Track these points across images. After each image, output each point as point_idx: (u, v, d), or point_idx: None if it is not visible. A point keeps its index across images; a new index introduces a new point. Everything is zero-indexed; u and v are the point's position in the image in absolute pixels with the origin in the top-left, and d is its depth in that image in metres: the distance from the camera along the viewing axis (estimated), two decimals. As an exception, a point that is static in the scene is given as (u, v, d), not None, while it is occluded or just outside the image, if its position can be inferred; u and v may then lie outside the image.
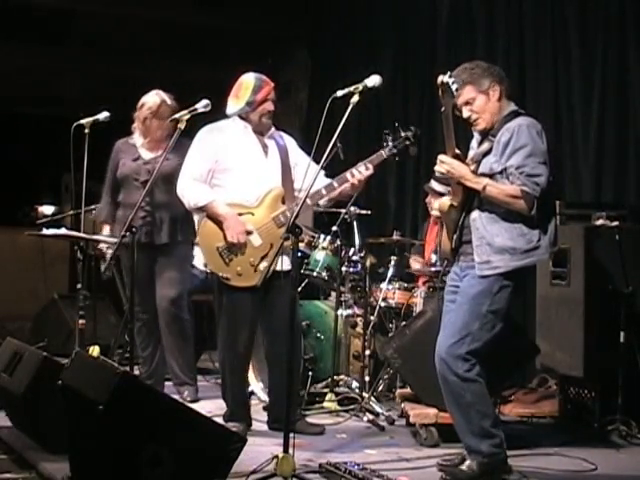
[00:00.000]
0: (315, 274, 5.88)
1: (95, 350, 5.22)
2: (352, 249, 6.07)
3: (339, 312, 5.79)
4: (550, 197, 4.05)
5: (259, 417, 5.01)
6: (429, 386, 4.48)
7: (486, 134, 4.10)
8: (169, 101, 5.58)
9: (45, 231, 5.64)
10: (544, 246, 4.00)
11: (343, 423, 5.20)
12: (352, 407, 5.44)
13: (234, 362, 4.78)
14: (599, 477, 4.21)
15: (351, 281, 6.12)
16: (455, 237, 4.11)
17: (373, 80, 4.15)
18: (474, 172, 3.98)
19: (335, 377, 5.65)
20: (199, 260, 4.79)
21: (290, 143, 4.98)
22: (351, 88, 4.09)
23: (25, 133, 10.87)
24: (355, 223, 6.19)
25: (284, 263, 4.63)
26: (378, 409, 5.33)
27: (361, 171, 4.63)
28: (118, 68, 9.64)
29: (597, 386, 5.07)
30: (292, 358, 4.01)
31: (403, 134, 4.71)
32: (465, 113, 4.10)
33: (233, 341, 4.73)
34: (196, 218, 4.84)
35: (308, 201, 4.44)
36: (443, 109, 3.86)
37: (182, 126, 4.76)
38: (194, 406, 4.45)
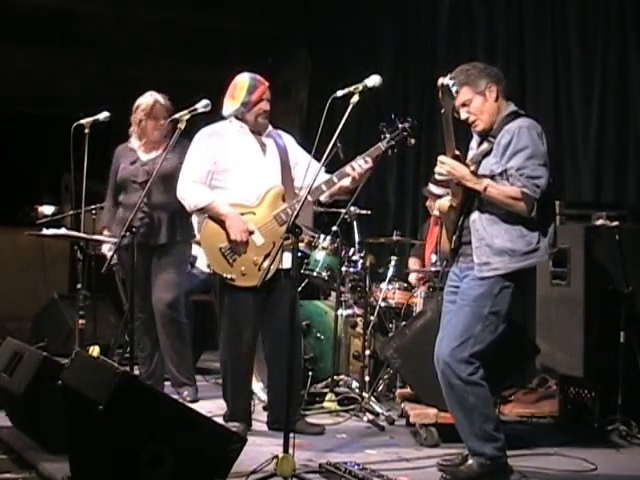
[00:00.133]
0: (315, 274, 5.88)
1: (95, 350, 5.23)
2: (352, 249, 6.07)
3: (339, 312, 5.79)
4: (550, 199, 4.05)
5: (259, 417, 5.01)
6: (429, 386, 4.48)
7: (485, 135, 4.10)
8: (163, 101, 5.58)
9: (45, 231, 5.64)
10: (543, 248, 4.00)
11: (343, 423, 5.20)
12: (352, 407, 5.44)
13: (236, 362, 4.77)
14: (599, 477, 4.21)
15: (351, 281, 6.12)
16: (455, 238, 4.11)
17: (373, 80, 4.15)
18: (474, 173, 3.98)
19: (335, 377, 5.65)
20: (202, 262, 4.78)
21: (289, 141, 4.98)
22: (351, 88, 4.09)
23: (25, 133, 10.88)
24: (355, 223, 6.19)
25: (284, 261, 4.62)
26: (378, 409, 5.33)
27: (360, 165, 4.63)
28: (118, 68, 9.64)
29: (597, 386, 5.07)
30: (292, 358, 4.01)
31: (400, 126, 4.71)
32: (463, 114, 4.10)
33: (235, 341, 4.73)
34: (196, 220, 4.85)
35: (309, 197, 4.44)
36: (443, 111, 3.86)
37: (182, 126, 4.76)
38: (194, 406, 4.44)
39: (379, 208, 7.70)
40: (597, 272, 5.10)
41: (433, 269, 5.83)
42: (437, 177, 4.08)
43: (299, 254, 5.28)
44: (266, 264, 4.60)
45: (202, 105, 4.75)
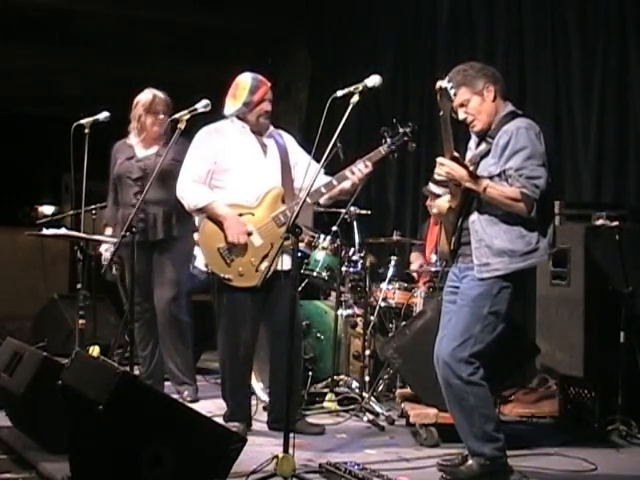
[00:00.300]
0: (315, 274, 5.88)
1: (95, 350, 5.23)
2: (352, 249, 6.07)
3: (339, 312, 5.79)
4: (549, 199, 4.05)
5: (259, 417, 5.01)
6: (429, 386, 4.47)
7: (483, 136, 4.10)
8: (162, 96, 5.61)
9: (45, 231, 5.64)
10: (543, 248, 4.00)
11: (343, 423, 5.20)
12: (352, 407, 5.44)
13: (234, 362, 4.78)
14: (599, 477, 4.21)
15: (351, 281, 6.12)
16: (454, 239, 4.11)
17: (373, 80, 4.15)
18: (473, 173, 3.98)
19: (335, 377, 5.65)
20: (200, 261, 4.79)
21: (290, 142, 4.98)
22: (351, 88, 4.09)
23: (25, 133, 10.88)
24: (355, 223, 6.18)
25: (284, 263, 4.63)
26: (378, 409, 5.33)
27: (360, 169, 4.63)
28: (118, 68, 9.65)
29: (597, 386, 5.07)
30: (292, 358, 4.01)
31: (401, 130, 4.71)
32: (461, 115, 4.10)
33: (234, 341, 4.73)
34: (197, 219, 4.85)
35: (308, 200, 4.44)
36: (441, 113, 3.86)
37: (182, 126, 4.76)
38: (194, 406, 4.44)
39: (379, 208, 7.70)
40: (597, 272, 5.10)
41: (433, 269, 5.83)
42: (436, 177, 4.08)
43: (299, 254, 5.28)
44: (264, 265, 4.60)
45: (202, 105, 4.75)
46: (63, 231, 5.63)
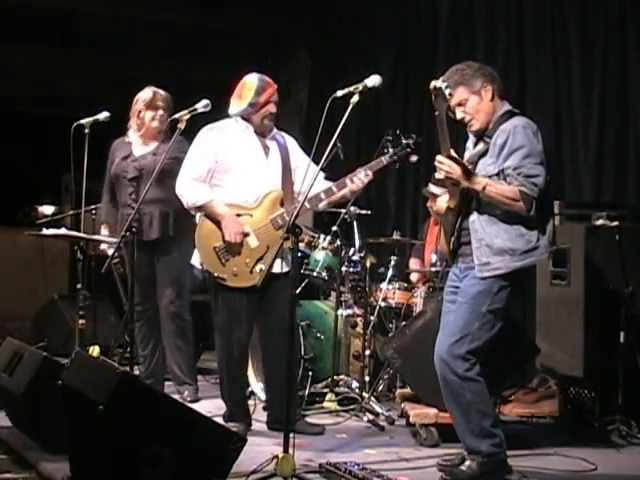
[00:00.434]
0: (315, 274, 5.88)
1: (95, 350, 5.23)
2: (352, 249, 6.07)
3: (339, 312, 5.79)
4: (548, 197, 4.05)
5: (259, 417, 5.01)
6: (429, 386, 4.48)
7: (481, 135, 4.10)
8: (162, 92, 5.62)
9: (45, 231, 5.64)
10: (543, 246, 4.00)
11: (343, 423, 5.20)
12: (352, 407, 5.44)
13: (230, 362, 4.78)
14: (599, 477, 4.21)
15: (351, 281, 6.12)
16: (453, 239, 4.11)
17: (373, 80, 4.15)
18: (472, 173, 3.98)
19: (335, 377, 5.65)
20: (195, 259, 4.79)
21: (291, 144, 4.98)
22: (351, 88, 4.09)
23: (25, 133, 10.88)
24: (355, 223, 6.18)
25: (281, 265, 4.62)
26: (378, 409, 5.33)
27: (361, 178, 4.64)
28: (118, 68, 9.65)
29: (597, 386, 5.07)
30: (292, 358, 4.01)
31: (404, 141, 4.73)
32: (459, 114, 4.10)
33: (228, 340, 4.74)
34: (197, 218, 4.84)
35: (307, 205, 4.45)
36: (437, 114, 3.86)
37: (182, 126, 4.75)
38: (194, 406, 4.44)
39: (379, 208, 7.70)
40: (597, 272, 5.10)
41: (433, 269, 5.83)
42: (436, 176, 4.08)
43: (299, 254, 5.29)
44: (258, 267, 4.62)
45: (202, 105, 4.75)
46: (63, 231, 5.63)
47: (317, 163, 4.26)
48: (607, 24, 5.89)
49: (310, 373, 5.60)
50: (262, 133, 4.85)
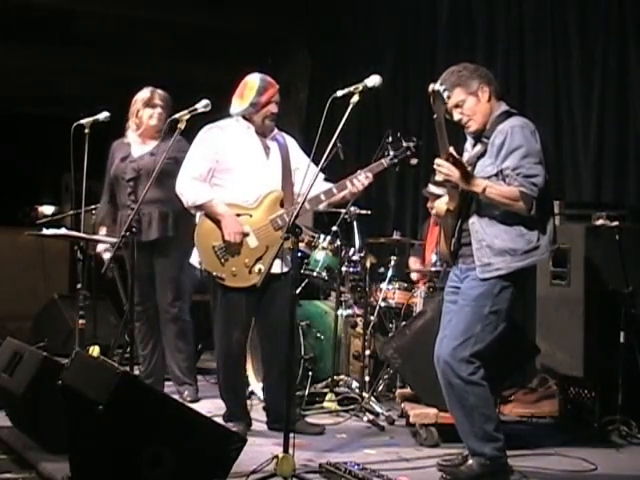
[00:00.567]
0: (315, 274, 5.88)
1: (95, 350, 5.23)
2: (352, 249, 6.07)
3: (339, 312, 5.79)
4: (547, 196, 4.05)
5: (259, 417, 5.01)
6: (429, 386, 4.48)
7: (479, 136, 4.10)
8: (160, 91, 5.63)
9: (45, 231, 5.64)
10: (544, 245, 4.00)
11: (343, 423, 5.20)
12: (352, 407, 5.44)
13: (228, 362, 4.78)
14: (599, 477, 4.21)
15: (351, 281, 6.12)
16: (454, 241, 4.11)
17: (373, 80, 4.15)
18: (471, 174, 3.98)
19: (335, 377, 5.65)
20: (194, 258, 4.79)
21: (292, 145, 4.98)
22: (351, 88, 4.09)
23: (25, 133, 10.87)
24: (355, 223, 6.18)
25: (280, 266, 4.62)
26: (378, 409, 5.33)
27: (361, 180, 4.64)
28: (118, 68, 9.64)
29: (597, 386, 5.07)
30: (291, 358, 4.01)
31: (405, 144, 4.73)
32: (456, 116, 4.10)
33: (227, 340, 4.74)
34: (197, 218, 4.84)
35: (307, 205, 4.46)
36: (435, 116, 3.87)
37: (182, 126, 4.75)
38: (194, 406, 4.44)
39: (379, 208, 7.70)
40: (597, 272, 5.10)
41: (433, 269, 5.83)
42: (436, 178, 4.08)
43: (299, 254, 5.29)
44: (257, 267, 4.62)
45: (202, 105, 4.74)
46: (63, 231, 5.63)
47: (317, 163, 4.26)
48: (607, 24, 5.89)
49: (310, 373, 5.60)
50: (263, 133, 4.85)
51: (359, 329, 5.88)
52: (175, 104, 5.49)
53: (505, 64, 6.61)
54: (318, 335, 5.84)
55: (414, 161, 4.77)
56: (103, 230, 5.76)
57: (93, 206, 6.36)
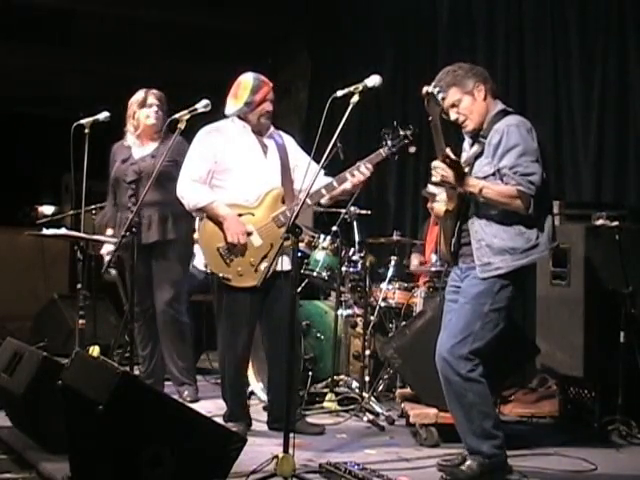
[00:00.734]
0: (315, 274, 5.88)
1: (95, 350, 5.23)
2: (352, 249, 6.07)
3: (339, 312, 5.79)
4: (545, 194, 4.04)
5: (259, 417, 5.01)
6: (429, 386, 4.48)
7: (476, 136, 4.11)
8: (154, 90, 5.62)
9: (45, 231, 5.64)
10: (543, 243, 4.01)
11: (343, 423, 5.20)
12: (352, 407, 5.44)
13: (233, 362, 4.78)
14: (599, 477, 4.21)
15: (351, 281, 6.12)
16: (454, 241, 4.11)
17: (373, 80, 4.14)
18: (468, 175, 3.98)
19: (335, 377, 5.65)
20: (199, 260, 4.79)
21: (289, 143, 4.98)
22: (351, 88, 4.09)
23: (25, 133, 10.87)
24: (355, 223, 6.18)
25: (284, 263, 4.63)
26: (378, 409, 5.33)
27: (361, 171, 4.63)
28: (118, 68, 9.63)
29: (597, 386, 5.07)
30: (292, 358, 4.01)
31: (402, 133, 4.71)
32: (452, 115, 4.10)
33: (233, 341, 4.74)
34: (197, 221, 4.85)
35: (308, 201, 4.44)
36: (430, 119, 3.87)
37: (182, 126, 4.75)
38: (194, 406, 4.44)
39: (379, 208, 7.70)
40: (597, 272, 5.10)
41: (434, 269, 5.83)
42: (433, 180, 4.08)
43: (299, 254, 5.28)
44: (263, 265, 4.61)
45: (202, 105, 4.74)
46: (63, 231, 5.63)
47: (317, 163, 4.26)
48: (607, 24, 5.89)
49: (310, 373, 5.60)
50: (259, 132, 4.85)
51: (359, 329, 5.88)
52: (175, 104, 5.48)
53: (505, 64, 6.61)
54: (318, 335, 5.84)
55: (412, 149, 4.75)
56: (109, 231, 5.75)
57: (93, 206, 6.37)
